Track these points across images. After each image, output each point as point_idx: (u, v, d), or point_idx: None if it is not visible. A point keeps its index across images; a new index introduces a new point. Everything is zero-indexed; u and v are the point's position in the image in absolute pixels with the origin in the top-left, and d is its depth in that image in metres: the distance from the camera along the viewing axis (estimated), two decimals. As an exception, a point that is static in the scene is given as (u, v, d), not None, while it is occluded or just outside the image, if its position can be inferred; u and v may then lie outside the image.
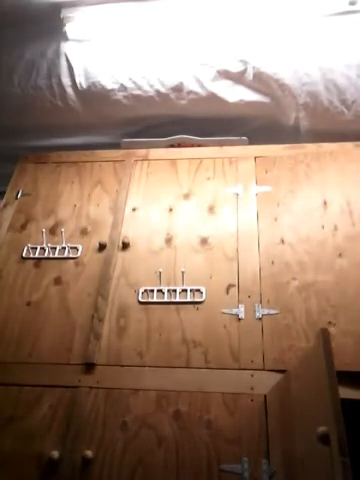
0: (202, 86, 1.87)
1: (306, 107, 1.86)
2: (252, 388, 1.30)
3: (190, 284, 1.52)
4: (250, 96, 1.88)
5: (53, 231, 1.75)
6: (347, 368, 1.28)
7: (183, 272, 1.51)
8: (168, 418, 1.28)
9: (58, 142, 2.11)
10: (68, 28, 1.84)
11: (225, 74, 1.86)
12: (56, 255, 1.68)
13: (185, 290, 1.51)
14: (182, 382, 1.34)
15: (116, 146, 2.00)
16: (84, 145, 2.07)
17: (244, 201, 1.71)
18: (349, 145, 1.80)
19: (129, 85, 1.90)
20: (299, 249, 1.55)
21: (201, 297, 1.49)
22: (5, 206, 1.86)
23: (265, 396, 1.28)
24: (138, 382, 1.36)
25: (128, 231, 1.70)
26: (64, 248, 1.68)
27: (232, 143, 1.91)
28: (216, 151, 1.89)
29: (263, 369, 1.33)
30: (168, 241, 1.65)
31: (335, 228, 1.58)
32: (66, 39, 1.91)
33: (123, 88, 1.91)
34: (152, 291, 1.52)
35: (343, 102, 1.82)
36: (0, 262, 1.69)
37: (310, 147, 1.82)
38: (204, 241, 1.63)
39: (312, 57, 1.79)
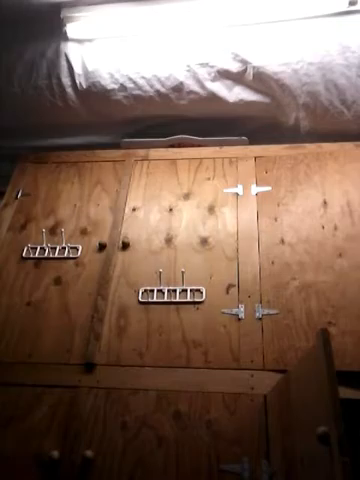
0: (202, 86, 1.87)
1: (306, 107, 1.86)
2: (252, 388, 1.30)
3: (190, 284, 1.52)
4: (250, 96, 1.88)
5: (53, 231, 1.75)
6: (347, 368, 1.28)
7: (183, 272, 1.51)
8: (168, 418, 1.28)
9: (58, 142, 2.11)
10: (68, 28, 1.84)
11: (225, 74, 1.86)
12: (56, 255, 1.68)
13: (185, 290, 1.51)
14: (182, 382, 1.34)
15: (116, 146, 2.00)
16: (84, 145, 2.07)
17: (244, 201, 1.71)
18: (349, 145, 1.80)
19: (129, 85, 1.90)
20: (299, 249, 1.55)
21: (201, 297, 1.49)
22: (5, 206, 1.86)
23: (265, 396, 1.28)
24: (138, 382, 1.36)
25: (128, 231, 1.70)
26: (64, 248, 1.68)
27: (232, 143, 1.91)
28: (216, 151, 1.89)
29: (263, 369, 1.33)
30: (168, 241, 1.65)
31: (335, 228, 1.58)
32: (66, 39, 1.90)
33: (123, 88, 1.91)
34: (152, 291, 1.52)
35: (343, 102, 1.82)
36: (0, 262, 1.69)
37: (310, 147, 1.82)
38: (204, 241, 1.63)
39: (312, 57, 1.79)
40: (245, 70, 1.84)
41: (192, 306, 1.48)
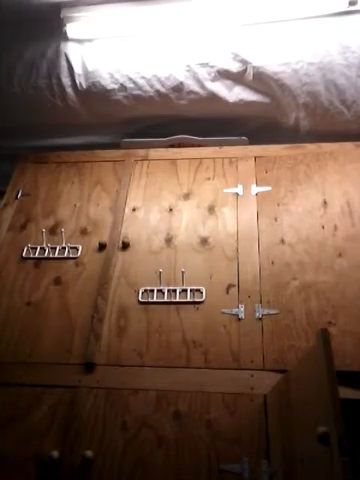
0: (202, 86, 1.87)
1: (306, 107, 1.86)
2: (252, 388, 1.30)
3: (190, 284, 1.52)
4: (250, 96, 1.88)
5: (53, 231, 1.75)
6: (347, 368, 1.28)
7: (183, 272, 1.51)
8: (168, 418, 1.28)
9: (58, 142, 2.11)
10: (68, 28, 1.84)
11: (225, 74, 1.86)
12: (56, 255, 1.67)
13: (185, 290, 1.51)
14: (182, 382, 1.34)
15: (116, 146, 2.00)
16: (84, 145, 2.07)
17: (244, 201, 1.71)
18: (349, 145, 1.80)
19: (129, 85, 1.90)
20: (299, 249, 1.55)
21: (201, 297, 1.49)
22: (5, 206, 1.86)
23: (265, 396, 1.28)
24: (138, 382, 1.36)
25: (128, 231, 1.70)
26: (64, 248, 1.68)
27: (232, 143, 1.91)
28: (216, 151, 1.89)
29: (263, 369, 1.33)
30: (168, 241, 1.65)
31: (335, 228, 1.58)
32: (66, 39, 1.90)
33: (123, 88, 1.91)
34: (152, 291, 1.52)
35: (343, 102, 1.82)
36: (0, 262, 1.69)
37: (310, 147, 1.82)
38: (204, 241, 1.63)
39: (312, 57, 1.79)
40: (245, 70, 1.84)
41: (192, 306, 1.48)
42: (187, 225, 1.68)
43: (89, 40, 1.92)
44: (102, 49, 1.91)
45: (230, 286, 1.51)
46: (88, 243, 1.70)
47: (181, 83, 1.87)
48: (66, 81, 1.93)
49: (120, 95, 1.92)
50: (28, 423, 1.33)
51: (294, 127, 1.93)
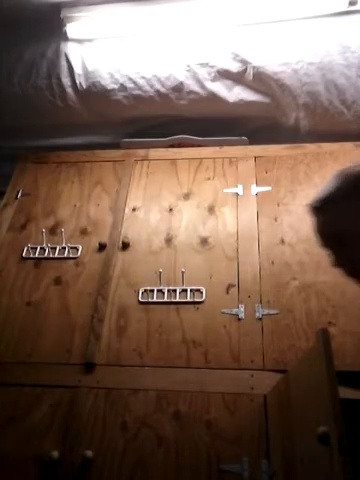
0: (202, 86, 1.87)
1: (306, 107, 1.86)
2: (252, 388, 1.30)
3: (190, 284, 1.52)
4: (250, 96, 1.88)
5: (53, 231, 1.75)
6: (347, 368, 1.28)
7: (183, 272, 1.51)
8: (168, 418, 1.28)
9: (58, 142, 2.11)
10: (68, 28, 1.84)
11: (225, 74, 1.86)
12: (56, 255, 1.67)
13: (185, 290, 1.51)
14: (182, 382, 1.34)
15: (116, 146, 2.00)
16: (84, 145, 2.07)
17: (244, 201, 1.71)
18: (349, 145, 1.80)
19: (129, 85, 1.90)
20: (299, 249, 1.55)
21: (201, 297, 1.49)
22: (5, 206, 1.86)
23: (265, 396, 1.28)
24: (138, 382, 1.36)
25: (128, 231, 1.70)
26: (64, 248, 1.68)
27: (232, 143, 1.91)
28: (216, 151, 1.89)
29: (263, 369, 1.33)
30: (168, 241, 1.65)
31: (335, 228, 1.58)
32: (66, 39, 1.90)
33: (123, 88, 1.91)
34: (152, 291, 1.52)
35: (343, 102, 1.82)
36: (0, 262, 1.69)
37: (310, 147, 1.82)
38: (204, 241, 1.63)
39: (312, 57, 1.79)
40: (245, 70, 1.84)
41: (192, 306, 1.48)
42: (187, 225, 1.68)
43: (89, 40, 1.92)
44: (102, 49, 1.91)
45: (230, 286, 1.51)
46: (88, 243, 1.69)
47: (181, 83, 1.87)
48: (66, 81, 1.93)
49: (120, 95, 1.92)
50: (28, 423, 1.33)
51: (294, 127, 1.93)
